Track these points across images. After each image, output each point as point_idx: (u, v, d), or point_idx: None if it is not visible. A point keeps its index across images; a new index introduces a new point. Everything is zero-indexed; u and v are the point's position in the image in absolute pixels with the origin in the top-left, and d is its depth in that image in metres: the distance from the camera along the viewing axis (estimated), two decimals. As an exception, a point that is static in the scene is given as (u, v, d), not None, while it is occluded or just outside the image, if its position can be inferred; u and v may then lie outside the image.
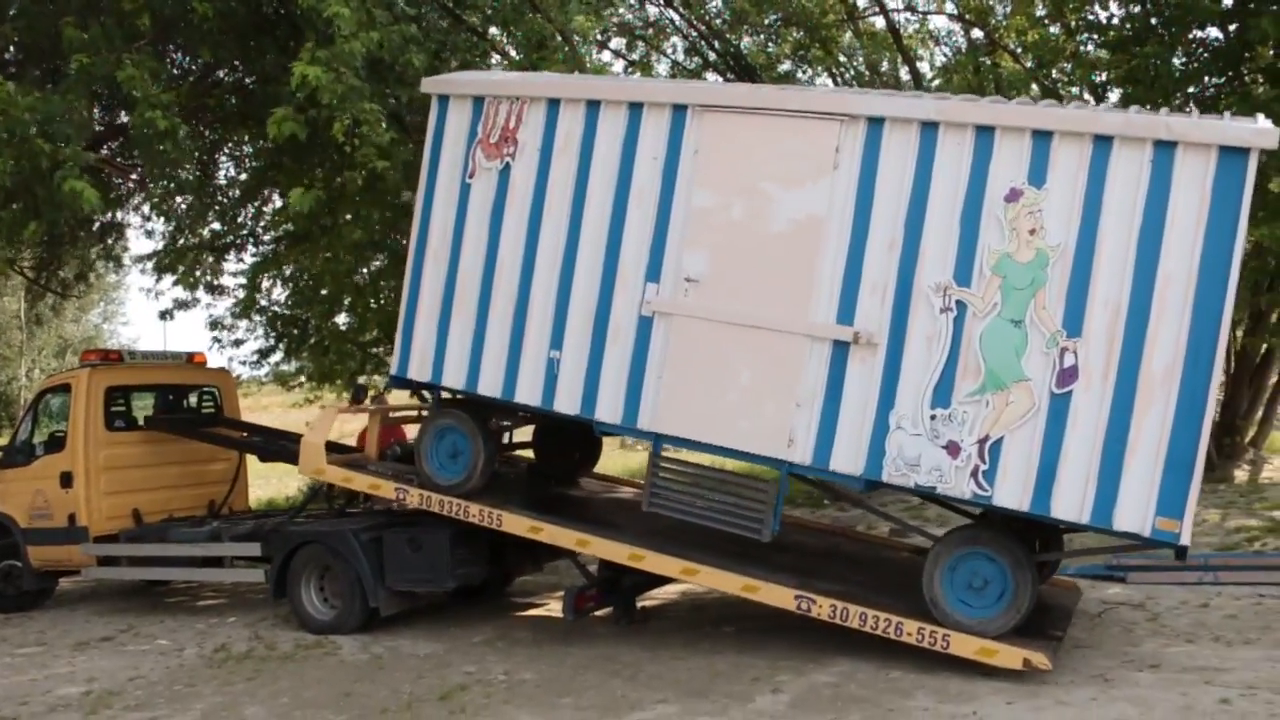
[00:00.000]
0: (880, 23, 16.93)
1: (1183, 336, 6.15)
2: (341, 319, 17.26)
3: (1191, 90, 11.65)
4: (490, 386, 8.16)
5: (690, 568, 7.49)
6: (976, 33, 16.89)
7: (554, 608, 8.57)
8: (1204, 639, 7.33)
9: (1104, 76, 12.43)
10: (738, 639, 7.97)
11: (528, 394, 8.02)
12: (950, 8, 17.23)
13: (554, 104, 7.96)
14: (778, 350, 7.13)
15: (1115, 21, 12.56)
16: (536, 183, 8.01)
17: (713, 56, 17.09)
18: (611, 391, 7.70)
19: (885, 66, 18.31)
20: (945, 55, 18.44)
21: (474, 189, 8.27)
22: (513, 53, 13.82)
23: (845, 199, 6.97)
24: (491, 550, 8.87)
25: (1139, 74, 11.16)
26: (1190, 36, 11.54)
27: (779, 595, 7.15)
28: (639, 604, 8.86)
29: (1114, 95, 12.59)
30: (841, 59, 17.78)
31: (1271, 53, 11.22)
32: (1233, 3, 11.03)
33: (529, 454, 10.22)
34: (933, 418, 6.70)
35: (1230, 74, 11.47)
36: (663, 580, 8.60)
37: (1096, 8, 12.66)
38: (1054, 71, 13.59)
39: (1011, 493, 6.51)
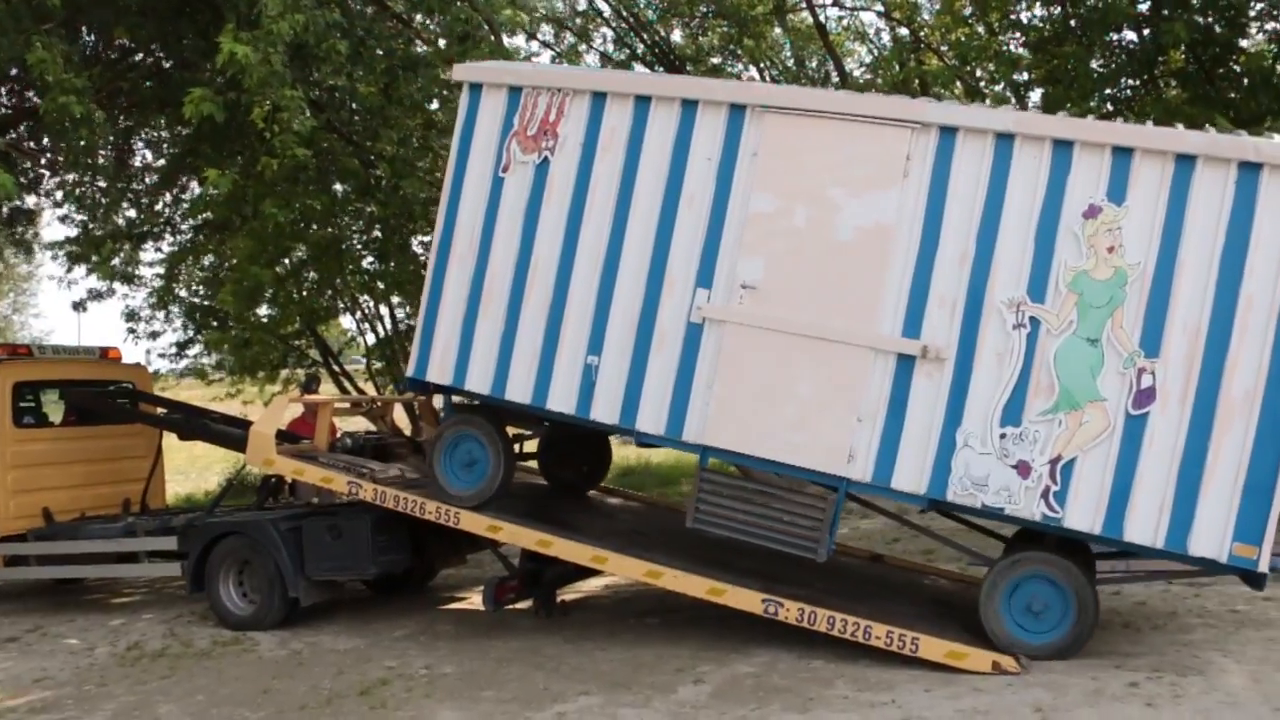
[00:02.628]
0: (809, 18, 17.02)
1: (1265, 360, 6.10)
2: (264, 310, 16.83)
3: (1109, 91, 11.90)
4: (519, 392, 7.78)
5: (654, 570, 7.35)
6: (903, 31, 17.09)
7: (477, 601, 8.44)
8: (1114, 625, 7.47)
9: (1026, 76, 12.57)
10: (661, 631, 7.94)
11: (561, 401, 7.66)
12: (878, 5, 17.44)
13: (599, 97, 7.64)
14: (839, 362, 6.91)
15: (1037, 22, 12.75)
16: (578, 179, 7.67)
17: (641, 48, 16.99)
18: (655, 401, 7.38)
19: (814, 63, 18.40)
20: (873, 52, 18.65)
21: (508, 183, 7.89)
22: (441, 43, 13.61)
23: (915, 209, 6.79)
24: (413, 542, 8.81)
25: (1059, 74, 11.32)
26: (1108, 39, 11.75)
27: (745, 599, 7.05)
28: (560, 597, 8.77)
29: (1035, 95, 12.80)
30: (769, 53, 17.83)
31: (1182, 57, 11.46)
32: (1148, 7, 11.26)
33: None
34: (1002, 436, 6.55)
35: (1145, 76, 11.73)
36: (587, 572, 8.52)
37: (1021, 7, 12.83)
38: (978, 70, 13.75)
39: (1083, 515, 6.39)
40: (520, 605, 8.58)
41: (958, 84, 13.95)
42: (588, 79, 7.82)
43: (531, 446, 9.35)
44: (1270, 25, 12.00)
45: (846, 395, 6.89)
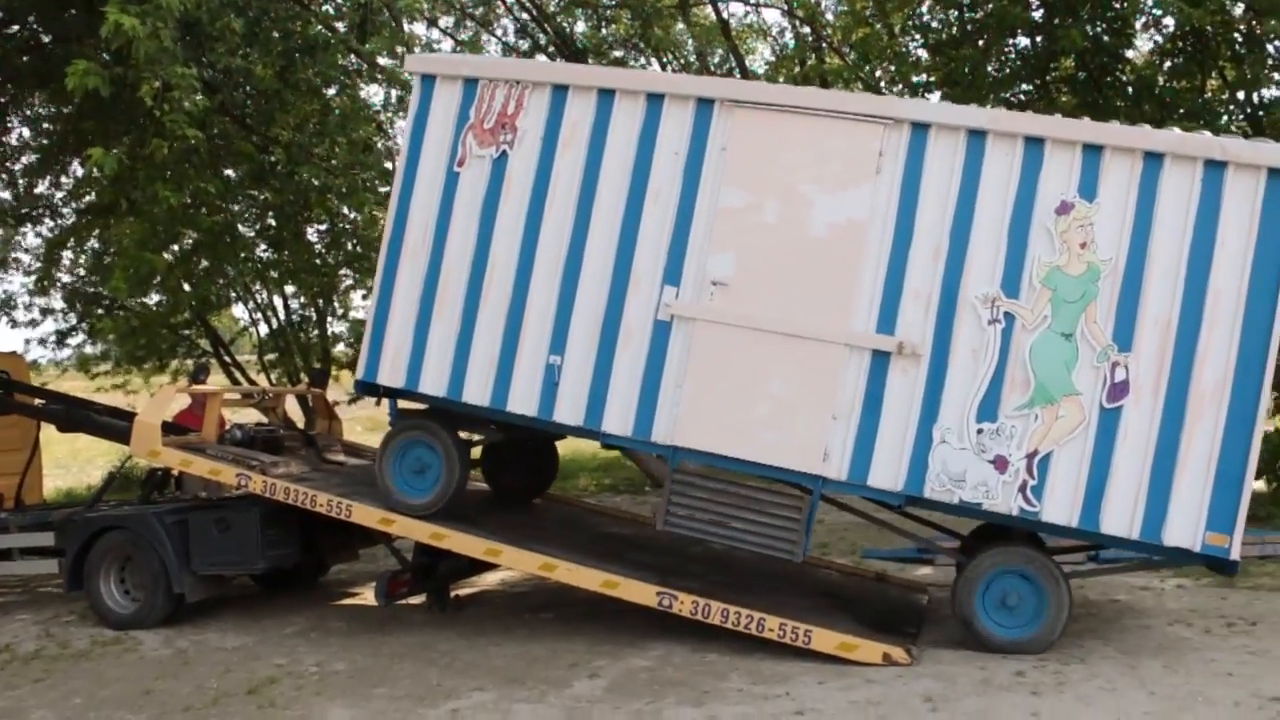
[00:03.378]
0: (713, 14, 17.18)
1: (1233, 352, 6.25)
2: (153, 298, 16.17)
3: (1005, 95, 12.23)
4: (477, 394, 7.48)
5: (549, 563, 7.29)
6: (805, 29, 17.39)
7: (370, 596, 8.38)
8: None
9: (925, 77, 12.89)
10: (556, 625, 7.88)
11: (522, 403, 7.39)
12: (781, 3, 17.71)
13: (561, 90, 7.43)
14: (813, 360, 6.82)
15: (936, 25, 13.10)
16: (538, 174, 7.45)
17: (544, 39, 16.93)
18: (621, 401, 7.19)
19: (716, 59, 18.57)
20: (775, 49, 18.93)
21: (463, 178, 7.60)
22: (340, 26, 13.38)
23: (888, 205, 6.77)
24: (305, 537, 8.62)
25: (957, 76, 11.62)
26: (1004, 44, 12.11)
27: (640, 592, 7.03)
28: (455, 592, 8.68)
29: (935, 97, 13.02)
30: (673, 48, 17.95)
31: (1073, 64, 11.89)
32: (1042, 14, 11.64)
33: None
34: (979, 432, 6.55)
35: (1039, 81, 12.10)
36: (482, 567, 8.46)
37: (921, 10, 13.17)
38: (878, 70, 14.07)
39: (1060, 509, 6.44)
40: (414, 600, 8.47)
41: (858, 83, 14.17)
42: (548, 71, 7.62)
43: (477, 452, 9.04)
44: (1155, 37, 12.54)
45: (821, 393, 6.80)
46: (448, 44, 17.51)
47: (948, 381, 6.63)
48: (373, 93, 15.90)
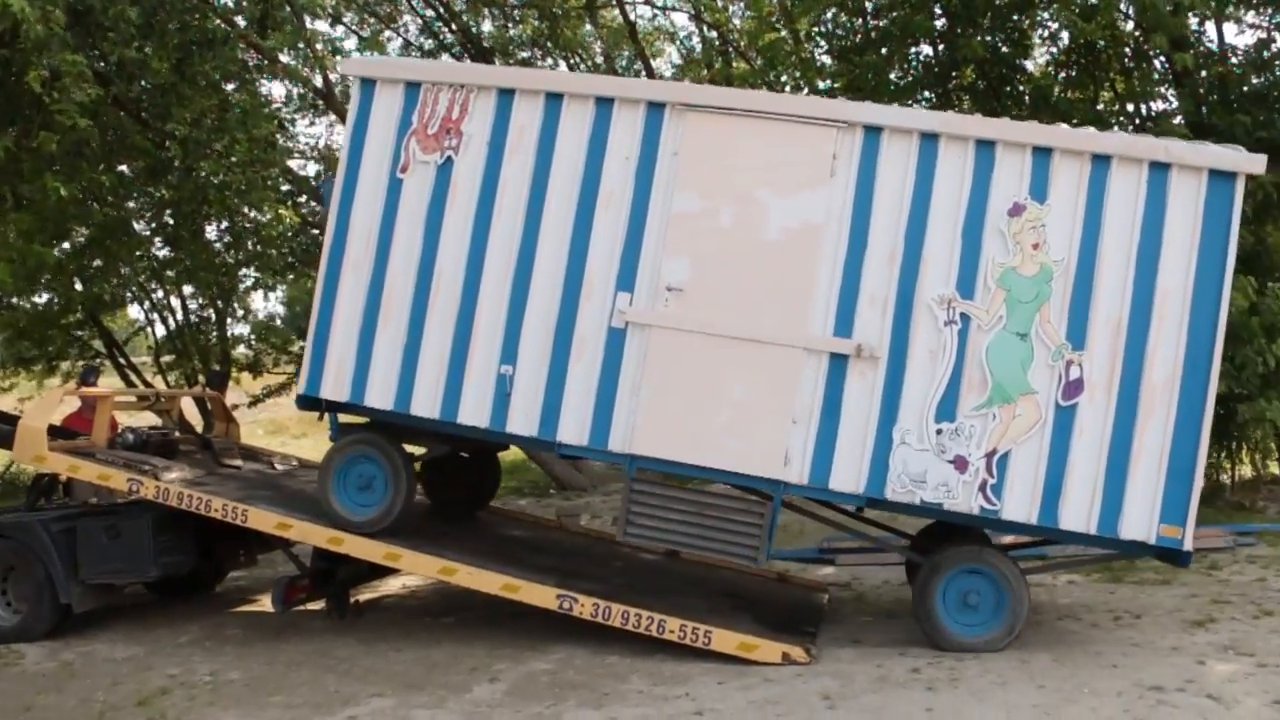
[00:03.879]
0: (620, 17, 17.28)
1: (1181, 349, 6.39)
2: (43, 298, 15.55)
3: (908, 102, 12.50)
4: (426, 407, 7.27)
5: (449, 567, 7.22)
6: (712, 34, 17.58)
7: (267, 603, 8.18)
8: (902, 615, 7.79)
9: (829, 83, 13.13)
10: (457, 630, 7.81)
11: (473, 414, 7.20)
12: (688, 7, 17.89)
13: (507, 94, 7.28)
14: (771, 364, 6.79)
15: (840, 32, 13.35)
16: (485, 179, 7.28)
17: (449, 38, 16.81)
18: (576, 411, 7.05)
19: (624, 61, 18.65)
20: (683, 52, 19.09)
21: (407, 185, 7.39)
22: (240, 21, 13.10)
23: (843, 208, 6.78)
24: (200, 542, 8.45)
25: (861, 83, 11.86)
26: (907, 51, 12.42)
27: (540, 595, 7.02)
28: (355, 597, 8.56)
29: None
30: (581, 49, 17.98)
31: (974, 74, 12.25)
32: (945, 24, 11.98)
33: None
34: (939, 432, 6.59)
35: (940, 90, 12.44)
36: (382, 571, 8.36)
37: (827, 17, 13.42)
38: (784, 75, 14.31)
39: (1019, 506, 6.50)
40: (312, 606, 8.33)
41: (763, 88, 14.32)
42: (494, 75, 7.46)
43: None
44: (1051, 49, 12.97)
45: (780, 397, 6.77)
46: (351, 41, 17.25)
47: (906, 383, 6.65)
48: (274, 89, 15.49)
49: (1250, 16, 11.97)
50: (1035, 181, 6.58)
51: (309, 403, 7.56)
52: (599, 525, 10.96)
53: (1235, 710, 5.42)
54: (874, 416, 6.67)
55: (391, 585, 9.48)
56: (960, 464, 6.56)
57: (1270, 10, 11.46)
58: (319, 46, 14.63)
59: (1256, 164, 6.42)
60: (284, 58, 14.31)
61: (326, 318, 7.46)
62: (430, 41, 17.36)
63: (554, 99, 7.21)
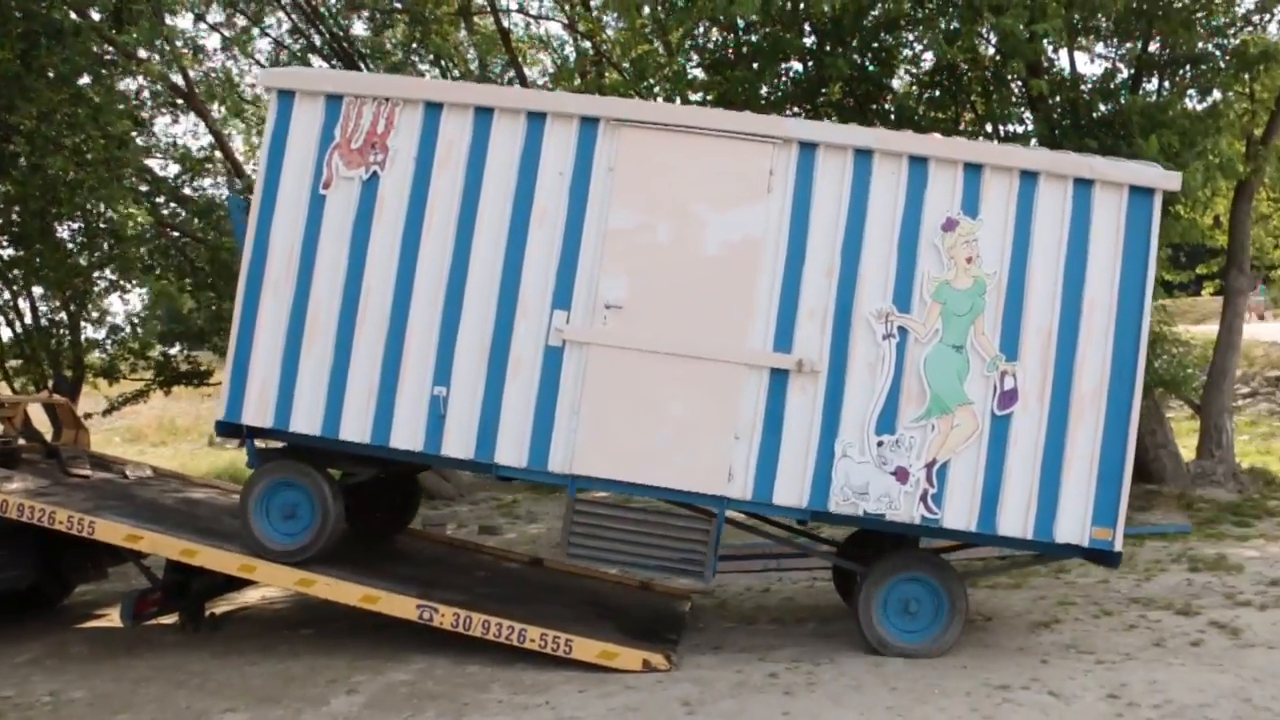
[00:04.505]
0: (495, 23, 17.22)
1: (1108, 357, 6.61)
2: None
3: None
4: (356, 431, 7.02)
5: (306, 578, 7.12)
6: (585, 44, 17.66)
7: (117, 618, 7.85)
8: (763, 620, 8.08)
9: (701, 96, 13.35)
10: (316, 641, 7.69)
11: (406, 438, 6.99)
12: (562, 16, 17.92)
13: (434, 108, 7.09)
14: (712, 380, 6.77)
15: (712, 46, 13.60)
16: (413, 196, 7.07)
17: (319, 40, 16.50)
18: (514, 432, 6.91)
19: (498, 68, 18.58)
20: (556, 61, 19.10)
21: (331, 201, 7.13)
22: (95, 14, 12.65)
23: (780, 223, 6.81)
24: (44, 556, 8.16)
25: (732, 96, 12.01)
26: (777, 67, 12.63)
27: (400, 605, 6.97)
28: (210, 610, 8.38)
29: None
30: (454, 55, 17.84)
31: (841, 91, 12.59)
32: (814, 41, 12.31)
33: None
34: (880, 444, 6.67)
35: (809, 106, 12.72)
36: (238, 583, 8.22)
37: (700, 31, 13.63)
38: (656, 87, 14.52)
39: (959, 514, 6.62)
40: (166, 620, 8.09)
41: (636, 99, 14.41)
42: (420, 88, 7.23)
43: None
44: (913, 70, 13.35)
45: (722, 413, 6.75)
46: (215, 40, 16.68)
47: (846, 396, 6.71)
48: (131, 85, 14.78)
49: (1100, 48, 12.76)
50: (967, 196, 6.72)
51: (229, 429, 7.20)
52: (465, 534, 10.84)
53: (1074, 705, 5.69)
54: (815, 430, 6.71)
55: (250, 597, 9.26)
56: (901, 475, 6.65)
57: (1117, 42, 12.20)
58: (179, 44, 14.05)
59: (1172, 181, 6.70)
60: (143, 53, 13.68)
61: (246, 339, 7.13)
62: (300, 43, 16.91)
63: (484, 113, 7.06)
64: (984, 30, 11.04)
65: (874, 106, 12.45)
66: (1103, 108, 11.46)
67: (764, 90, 12.53)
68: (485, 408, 6.93)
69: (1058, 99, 11.65)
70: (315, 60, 16.96)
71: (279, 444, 7.60)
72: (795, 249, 6.80)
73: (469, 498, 15.34)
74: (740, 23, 12.63)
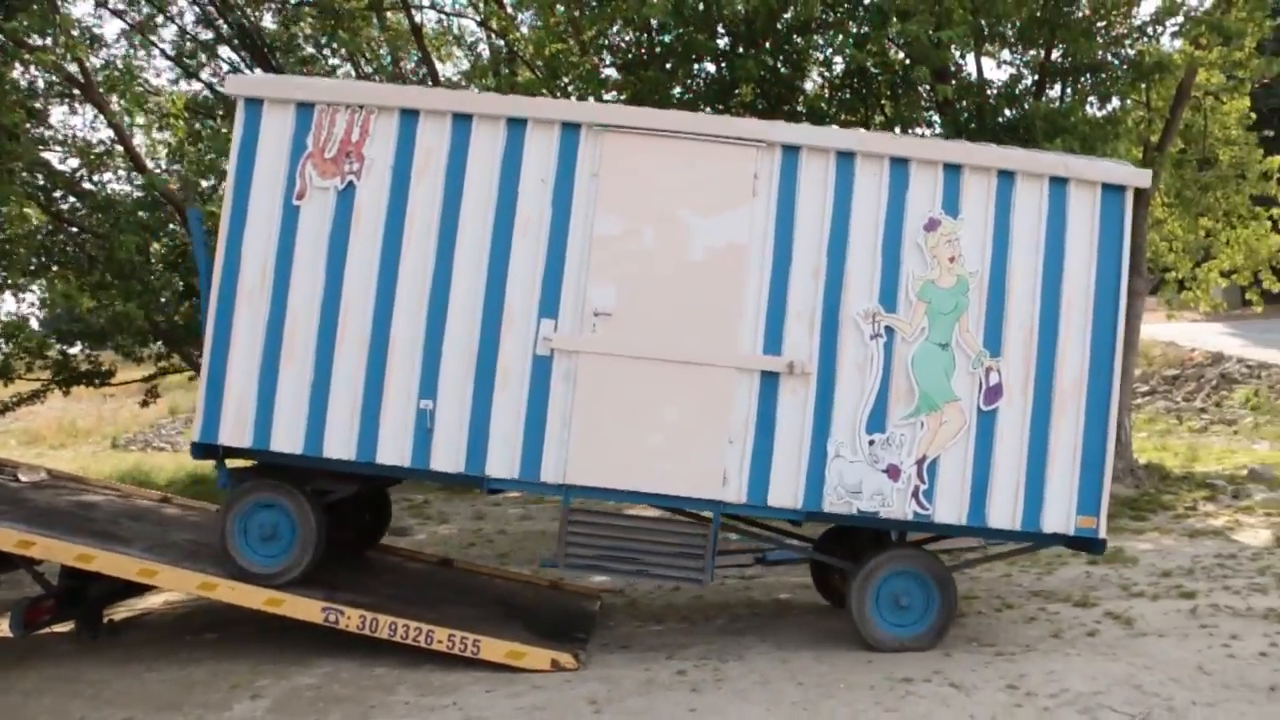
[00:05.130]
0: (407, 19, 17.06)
1: (1086, 351, 6.80)
2: None
3: None
4: (340, 448, 6.85)
5: (209, 582, 6.95)
6: (499, 41, 17.60)
7: (6, 628, 7.70)
8: (672, 619, 8.19)
9: (613, 95, 13.45)
10: (219, 646, 7.56)
11: (393, 454, 6.85)
12: (475, 13, 17.87)
13: (410, 115, 6.95)
14: (704, 385, 6.77)
15: (624, 45, 13.71)
16: (391, 206, 6.92)
17: (227, 30, 16.16)
18: (505, 443, 6.82)
19: (410, 64, 18.40)
20: (469, 58, 19.00)
21: (305, 212, 6.94)
22: None
23: (766, 227, 6.84)
24: None
25: (644, 96, 12.19)
26: (690, 68, 12.87)
27: (305, 608, 6.87)
28: (109, 616, 8.18)
29: None
30: (366, 50, 17.62)
31: (753, 91, 12.77)
32: (728, 43, 12.52)
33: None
34: (871, 443, 6.76)
35: (720, 106, 12.94)
36: (138, 588, 7.99)
37: (613, 30, 13.73)
38: (569, 86, 14.60)
39: (950, 509, 6.75)
40: (60, 628, 7.87)
41: (548, 97, 14.40)
42: (395, 95, 7.06)
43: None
44: (825, 73, 13.61)
45: (714, 418, 6.77)
46: (115, 26, 16.09)
47: (837, 397, 6.79)
48: (21, 75, 14.10)
49: (1005, 54, 13.13)
50: (948, 196, 6.84)
51: (205, 450, 6.96)
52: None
53: (974, 696, 5.86)
54: (808, 431, 6.77)
55: (152, 602, 8.99)
56: (893, 472, 6.75)
57: (1021, 50, 12.59)
58: (74, 32, 13.47)
59: (1142, 178, 6.92)
60: (35, 41, 13.10)
61: (220, 358, 6.90)
62: (208, 34, 16.45)
63: (462, 120, 6.94)
64: (892, 35, 11.29)
65: (785, 108, 12.59)
66: (1008, 113, 11.83)
67: (676, 91, 12.61)
68: (474, 420, 6.83)
69: (964, 103, 11.96)
70: (225, 50, 16.59)
71: (248, 462, 7.39)
72: (781, 252, 6.84)
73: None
74: (653, 23, 12.69)
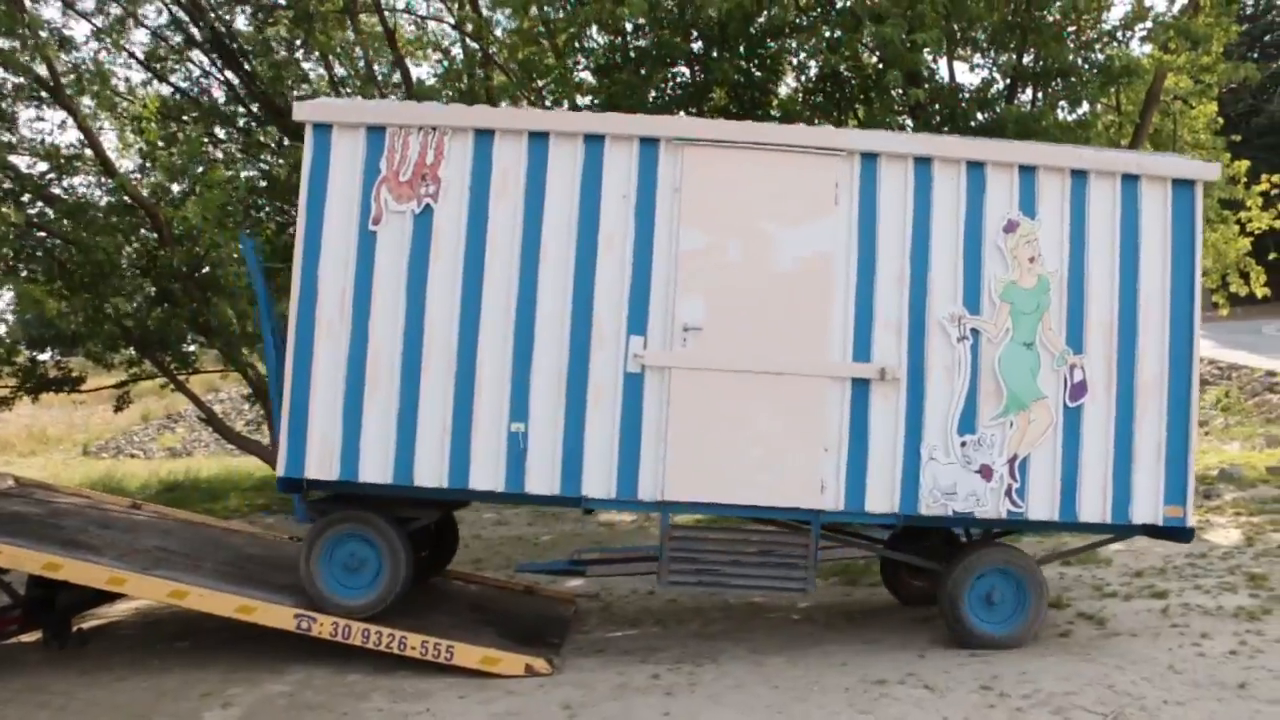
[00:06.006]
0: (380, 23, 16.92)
1: (1165, 346, 6.95)
2: None
3: None
4: (431, 476, 6.73)
5: (179, 590, 6.86)
6: (474, 44, 17.53)
7: None
8: (647, 624, 8.26)
9: (588, 99, 13.49)
10: (191, 655, 7.51)
11: (486, 479, 6.74)
12: (449, 17, 17.72)
13: (485, 135, 6.85)
14: (797, 394, 6.78)
15: (598, 49, 13.76)
16: (470, 228, 6.82)
17: (199, 34, 15.89)
18: (600, 462, 6.76)
19: (385, 67, 18.22)
20: (444, 62, 18.86)
21: (382, 237, 6.79)
22: None
23: (849, 235, 6.87)
24: None
25: (618, 100, 12.24)
26: (664, 71, 12.90)
27: (278, 616, 6.85)
28: (78, 625, 8.09)
29: None
30: (341, 53, 17.41)
31: (727, 95, 12.93)
32: (701, 46, 12.63)
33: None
34: (963, 444, 6.83)
35: (694, 110, 13.05)
36: (108, 597, 7.98)
37: (588, 33, 13.77)
38: (544, 90, 14.58)
39: (1042, 506, 6.85)
40: (28, 638, 7.77)
41: (524, 101, 14.36)
42: (467, 116, 6.94)
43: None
44: (799, 76, 13.78)
45: (809, 427, 6.78)
46: (84, 28, 15.63)
47: (927, 400, 6.84)
48: None
49: (977, 58, 13.40)
50: (1024, 198, 6.94)
51: (290, 484, 6.79)
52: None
53: (948, 697, 5.94)
54: (900, 436, 6.82)
55: (122, 611, 8.87)
56: (986, 472, 6.83)
57: (994, 54, 12.84)
58: (43, 34, 13.05)
59: (1211, 171, 7.08)
60: (2, 43, 12.68)
61: (302, 390, 6.73)
62: (180, 37, 16.06)
63: (538, 138, 6.86)
64: (865, 39, 11.41)
65: (759, 112, 12.67)
66: (980, 116, 12.01)
67: (650, 94, 12.62)
68: (567, 441, 6.76)
69: (937, 107, 12.14)
70: (196, 53, 16.28)
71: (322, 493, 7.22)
72: (865, 259, 6.88)
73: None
74: (627, 26, 12.68)
